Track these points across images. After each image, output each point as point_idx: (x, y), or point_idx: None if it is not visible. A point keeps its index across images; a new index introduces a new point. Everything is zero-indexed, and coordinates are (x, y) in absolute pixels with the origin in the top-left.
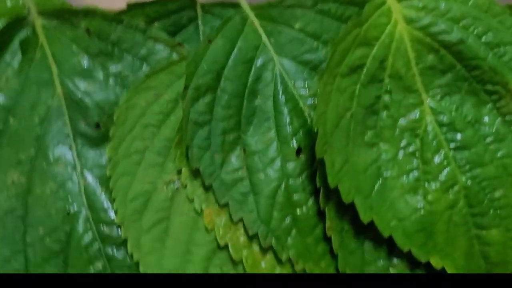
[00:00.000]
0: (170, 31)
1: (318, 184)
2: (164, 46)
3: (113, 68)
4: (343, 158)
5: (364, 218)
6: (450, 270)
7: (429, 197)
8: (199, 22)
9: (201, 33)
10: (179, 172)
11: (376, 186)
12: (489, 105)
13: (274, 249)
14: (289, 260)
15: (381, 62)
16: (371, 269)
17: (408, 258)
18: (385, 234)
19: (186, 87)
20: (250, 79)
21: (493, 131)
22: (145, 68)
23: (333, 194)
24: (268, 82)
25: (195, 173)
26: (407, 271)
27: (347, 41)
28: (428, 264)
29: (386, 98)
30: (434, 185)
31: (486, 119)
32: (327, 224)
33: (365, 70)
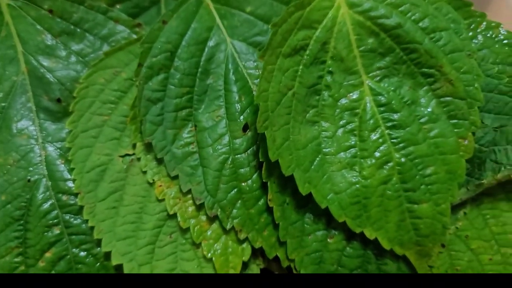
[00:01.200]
0: (132, 13)
1: (260, 158)
2: (125, 27)
3: (75, 46)
4: (284, 134)
5: (303, 190)
6: (382, 241)
7: (365, 172)
8: (162, 5)
9: None
10: (134, 146)
11: (316, 161)
12: (426, 87)
13: (219, 218)
14: (234, 229)
15: (323, 44)
16: (310, 239)
17: (345, 229)
18: (322, 205)
19: (140, 65)
20: (202, 59)
21: (428, 112)
22: (106, 47)
23: (275, 168)
24: (220, 62)
25: (148, 147)
26: (343, 242)
27: (289, 23)
28: (363, 235)
29: (328, 78)
30: (369, 161)
31: (422, 100)
32: (269, 196)
33: (307, 51)
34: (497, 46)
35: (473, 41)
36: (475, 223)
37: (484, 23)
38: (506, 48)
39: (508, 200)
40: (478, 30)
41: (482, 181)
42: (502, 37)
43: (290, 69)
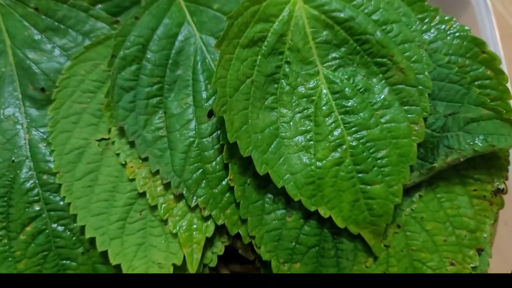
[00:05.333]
0: (113, 12)
1: (221, 141)
2: (104, 23)
3: (59, 41)
4: (243, 118)
5: (260, 170)
6: (336, 220)
7: (319, 154)
8: (142, 4)
9: None
10: (109, 130)
11: (273, 144)
12: (379, 76)
13: (185, 197)
14: (198, 207)
15: (280, 37)
16: (270, 218)
17: (302, 209)
18: (279, 185)
19: (113, 56)
20: (173, 52)
21: (381, 98)
22: (87, 42)
23: (235, 151)
24: (189, 55)
25: (122, 132)
26: (301, 221)
27: (245, 16)
28: (320, 216)
29: (286, 68)
30: (323, 145)
31: (375, 88)
32: (229, 176)
33: (265, 43)
34: (449, 38)
35: (427, 33)
36: (430, 205)
37: (438, 17)
38: (458, 40)
39: (463, 184)
40: (432, 24)
41: (434, 165)
42: (454, 30)
43: (249, 58)
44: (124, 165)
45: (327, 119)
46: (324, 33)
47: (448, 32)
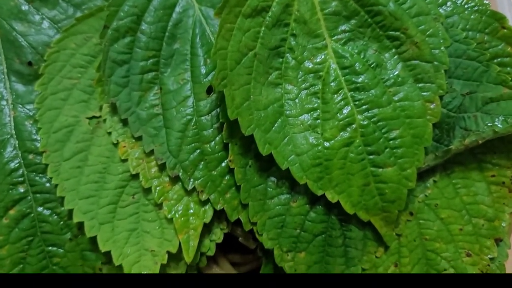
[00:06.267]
0: None
1: (221, 118)
2: None
3: (48, 12)
4: (244, 94)
5: (263, 151)
6: (345, 205)
7: (327, 134)
8: None
9: None
10: (100, 108)
11: (277, 123)
12: (392, 51)
13: (181, 179)
14: (196, 190)
15: (286, 7)
16: (273, 203)
17: (308, 193)
18: (283, 167)
19: (105, 27)
20: (170, 24)
21: (394, 75)
22: (78, 14)
23: (236, 130)
24: (187, 28)
25: (114, 109)
26: (307, 206)
27: None
28: (327, 201)
29: (291, 41)
30: (332, 123)
31: (388, 63)
32: (229, 157)
33: (270, 13)
34: (466, 12)
35: (443, 7)
36: (445, 192)
37: None
38: (476, 15)
39: (480, 169)
40: None
41: (450, 147)
42: (472, 4)
43: (251, 29)
44: (116, 145)
45: (335, 96)
46: (333, 4)
47: (466, 6)
